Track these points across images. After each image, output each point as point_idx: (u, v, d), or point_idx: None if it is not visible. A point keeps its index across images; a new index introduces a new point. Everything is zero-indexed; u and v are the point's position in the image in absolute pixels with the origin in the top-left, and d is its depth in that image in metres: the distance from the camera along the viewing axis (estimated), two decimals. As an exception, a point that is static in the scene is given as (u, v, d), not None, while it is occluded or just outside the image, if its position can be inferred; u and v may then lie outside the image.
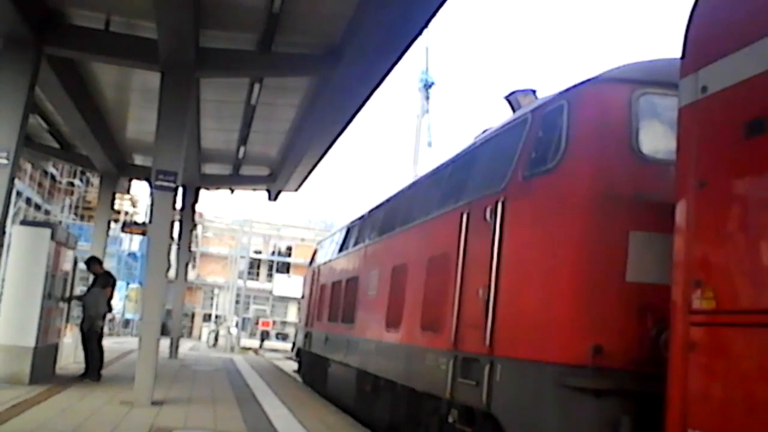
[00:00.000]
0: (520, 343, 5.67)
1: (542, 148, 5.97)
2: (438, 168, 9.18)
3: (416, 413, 8.14)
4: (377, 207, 12.17)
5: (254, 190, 23.00)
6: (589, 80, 5.81)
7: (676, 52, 4.59)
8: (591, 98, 5.72)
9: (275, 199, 22.33)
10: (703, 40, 4.37)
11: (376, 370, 9.86)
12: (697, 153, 4.28)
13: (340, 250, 14.49)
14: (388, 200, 11.55)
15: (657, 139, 5.38)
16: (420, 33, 9.87)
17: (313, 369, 16.23)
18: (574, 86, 5.93)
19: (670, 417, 4.15)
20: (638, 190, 5.22)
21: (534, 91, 7.94)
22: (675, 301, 4.23)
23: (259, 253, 58.81)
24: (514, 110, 7.79)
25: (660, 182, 5.03)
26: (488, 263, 6.18)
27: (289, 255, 59.75)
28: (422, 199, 9.27)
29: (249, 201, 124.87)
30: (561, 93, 6.08)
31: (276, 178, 20.36)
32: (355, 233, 13.43)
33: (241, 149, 17.55)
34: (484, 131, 8.11)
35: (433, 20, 9.51)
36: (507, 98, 8.10)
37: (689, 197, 4.28)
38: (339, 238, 15.28)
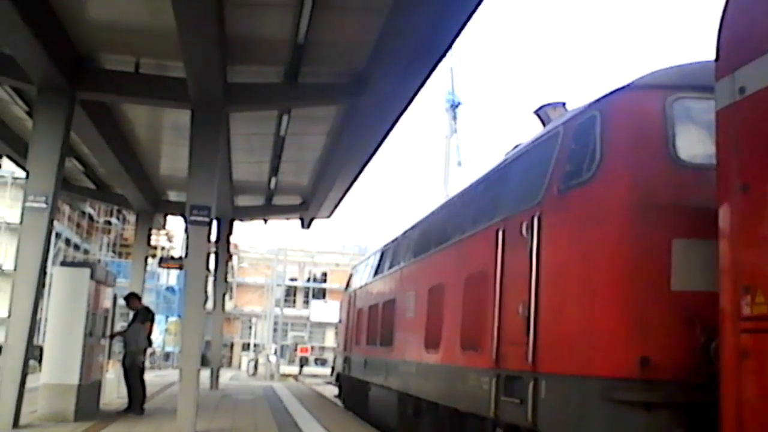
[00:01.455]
0: (564, 358, 5.57)
1: (576, 160, 5.91)
2: (470, 186, 9.13)
3: (461, 435, 8.02)
4: (411, 228, 12.14)
5: (287, 219, 23.12)
6: (620, 89, 5.74)
7: (708, 55, 4.53)
8: (624, 107, 5.64)
9: (308, 226, 22.42)
10: (737, 40, 4.29)
11: (418, 392, 9.76)
12: (738, 155, 4.19)
13: (375, 273, 14.46)
14: (421, 221, 11.51)
15: (694, 144, 5.29)
16: (444, 55, 9.86)
17: (353, 393, 16.15)
18: (606, 96, 5.86)
19: (725, 428, 4.02)
20: (678, 197, 5.13)
21: (564, 104, 7.89)
22: (724, 309, 4.13)
23: (295, 280, 59.16)
24: (544, 124, 7.73)
25: (700, 187, 4.94)
26: (527, 279, 6.10)
27: (325, 281, 60.01)
28: (456, 218, 9.22)
29: (282, 230, 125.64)
30: (592, 103, 6.02)
31: (308, 207, 20.47)
32: (389, 256, 13.40)
33: (273, 180, 17.69)
34: (515, 147, 8.07)
35: (457, 41, 9.53)
36: (536, 112, 8.05)
37: (732, 201, 4.18)
38: (374, 261, 15.26)
